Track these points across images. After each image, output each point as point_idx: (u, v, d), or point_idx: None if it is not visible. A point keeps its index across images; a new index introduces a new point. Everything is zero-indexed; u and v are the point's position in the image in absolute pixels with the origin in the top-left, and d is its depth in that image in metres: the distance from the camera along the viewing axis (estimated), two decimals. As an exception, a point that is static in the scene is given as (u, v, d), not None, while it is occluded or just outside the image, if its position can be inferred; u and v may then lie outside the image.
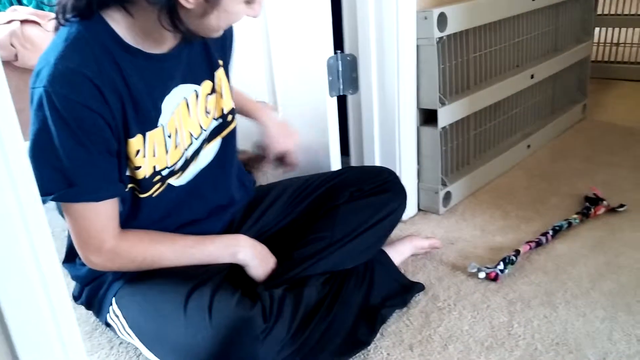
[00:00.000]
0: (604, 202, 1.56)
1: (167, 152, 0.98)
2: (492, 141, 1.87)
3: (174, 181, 1.04)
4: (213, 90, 1.07)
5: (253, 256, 1.07)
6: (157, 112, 0.96)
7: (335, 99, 1.47)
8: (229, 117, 1.11)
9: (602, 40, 3.04)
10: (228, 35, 1.10)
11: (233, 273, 1.07)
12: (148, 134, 0.94)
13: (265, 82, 1.57)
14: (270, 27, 1.49)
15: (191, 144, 1.04)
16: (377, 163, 1.58)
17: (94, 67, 0.85)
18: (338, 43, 1.48)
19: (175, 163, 1.01)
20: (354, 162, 1.66)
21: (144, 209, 1.00)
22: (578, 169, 1.88)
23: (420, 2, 1.46)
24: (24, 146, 0.48)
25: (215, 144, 1.11)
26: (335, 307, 1.04)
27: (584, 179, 1.78)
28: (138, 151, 0.93)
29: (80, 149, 0.85)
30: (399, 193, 1.24)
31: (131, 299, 1.01)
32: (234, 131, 1.13)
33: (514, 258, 1.30)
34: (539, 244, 1.39)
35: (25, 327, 0.50)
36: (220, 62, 1.08)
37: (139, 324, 1.00)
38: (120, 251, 0.96)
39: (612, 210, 1.54)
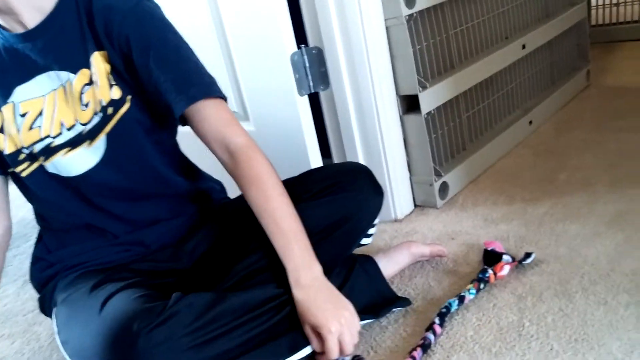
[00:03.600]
0: (506, 258, 1.12)
1: (19, 131, 0.96)
2: (488, 122, 1.73)
3: (51, 169, 0.98)
4: (90, 81, 0.94)
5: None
6: (8, 91, 0.95)
7: (306, 97, 1.35)
8: (109, 110, 0.95)
9: (600, 2, 2.88)
10: (114, 21, 0.93)
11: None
12: (2, 109, 0.95)
13: (230, 89, 1.46)
14: (227, 27, 1.38)
15: (60, 134, 0.95)
16: (361, 161, 1.45)
17: None
18: (301, 37, 1.37)
19: (32, 145, 0.96)
20: (336, 160, 1.54)
21: (36, 195, 1.01)
22: (586, 140, 1.72)
23: (383, -20, 1.34)
24: None
25: (100, 142, 0.96)
26: (285, 309, 0.91)
27: (594, 150, 1.63)
28: None
29: None
30: (361, 192, 1.03)
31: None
32: (124, 127, 0.96)
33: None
34: (425, 346, 0.95)
35: None
36: (102, 52, 0.94)
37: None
38: None
39: (519, 264, 1.13)
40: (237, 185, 0.97)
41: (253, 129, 1.48)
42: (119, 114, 0.95)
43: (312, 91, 1.38)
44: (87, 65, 0.94)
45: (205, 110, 0.94)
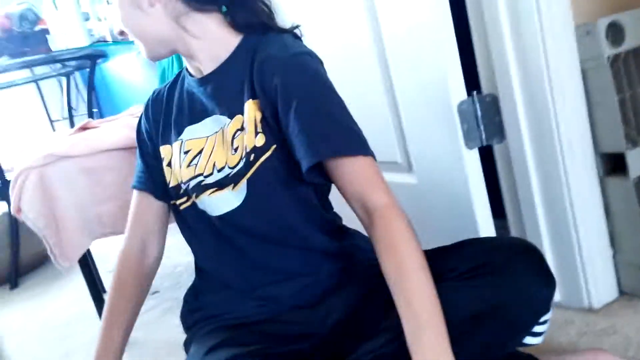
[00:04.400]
0: None
1: (180, 166, 1.01)
2: None
3: (201, 206, 1.00)
4: (242, 127, 0.93)
5: None
6: (180, 129, 1.03)
7: (475, 151, 1.17)
8: (252, 157, 0.93)
9: None
10: (268, 70, 0.92)
11: None
12: (172, 145, 1.03)
13: (395, 138, 1.35)
14: (393, 72, 1.28)
15: (211, 174, 0.96)
16: (542, 226, 1.18)
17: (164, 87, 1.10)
18: (473, 82, 1.19)
19: (188, 181, 0.99)
20: (512, 225, 1.29)
21: (189, 230, 1.05)
22: None
23: (581, 13, 1.10)
24: None
25: (242, 186, 0.94)
26: None
27: None
28: (162, 159, 1.05)
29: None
30: (520, 276, 0.82)
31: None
32: (262, 175, 0.94)
33: None
34: None
35: None
36: (256, 100, 0.93)
37: None
38: None
39: None
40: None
41: (416, 182, 1.33)
42: (260, 161, 0.93)
43: (484, 144, 1.19)
44: (242, 112, 0.95)
45: (344, 167, 0.87)
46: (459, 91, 1.15)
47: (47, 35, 2.50)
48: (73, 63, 2.82)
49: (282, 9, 1.60)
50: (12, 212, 1.49)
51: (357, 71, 1.39)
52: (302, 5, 1.52)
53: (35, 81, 3.65)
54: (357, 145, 0.89)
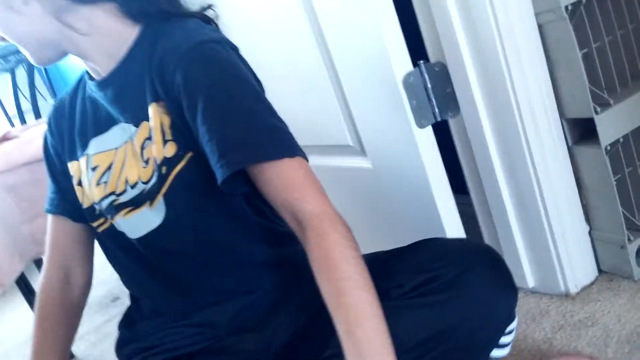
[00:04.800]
0: None
1: (90, 185, 0.88)
2: None
3: (118, 227, 0.87)
4: (150, 136, 0.80)
5: None
6: (86, 142, 0.89)
7: (429, 129, 1.03)
8: (163, 169, 0.79)
9: None
10: (169, 66, 0.77)
11: None
12: (79, 161, 0.91)
13: (343, 119, 1.20)
14: (331, 46, 1.12)
15: (124, 191, 0.83)
16: (507, 202, 1.06)
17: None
18: (418, 51, 1.05)
19: (100, 201, 0.87)
20: (476, 202, 1.17)
21: (111, 255, 0.93)
22: None
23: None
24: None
25: (160, 204, 0.81)
26: None
27: None
28: (72, 177, 0.92)
29: None
30: (477, 290, 0.70)
31: None
32: (180, 189, 0.80)
33: None
34: None
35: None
36: (160, 103, 0.78)
37: None
38: None
39: None
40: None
41: (370, 166, 1.20)
42: (173, 173, 0.79)
43: (438, 120, 1.05)
44: (147, 118, 0.80)
45: (267, 173, 0.72)
46: (403, 62, 1.00)
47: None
48: (12, 58, 2.64)
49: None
50: None
51: (293, 47, 1.23)
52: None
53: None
54: (279, 146, 0.74)
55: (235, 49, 0.80)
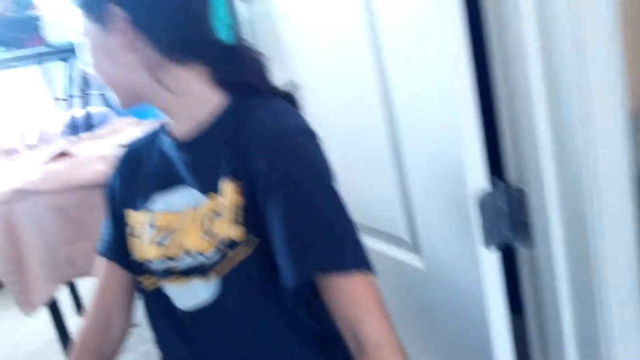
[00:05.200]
0: None
1: (147, 242, 0.88)
2: None
3: (168, 290, 0.87)
4: (217, 210, 0.80)
5: None
6: (148, 194, 0.90)
7: (494, 250, 0.99)
8: (227, 251, 0.78)
9: None
10: (253, 149, 0.77)
11: None
12: (139, 212, 0.91)
13: (401, 214, 1.17)
14: (403, 137, 1.09)
15: (180, 258, 0.83)
16: (569, 336, 1.01)
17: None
18: (498, 167, 1.01)
19: (154, 261, 0.86)
20: (531, 326, 1.11)
21: (152, 317, 0.93)
22: None
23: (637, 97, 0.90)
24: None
25: (213, 281, 0.81)
26: None
27: None
28: (128, 226, 0.92)
29: None
30: None
31: None
32: (240, 274, 0.79)
33: None
34: None
35: None
36: (238, 182, 0.78)
37: None
38: None
39: None
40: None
41: (422, 267, 1.16)
42: (237, 259, 0.79)
43: (507, 244, 1.01)
44: (216, 191, 0.80)
45: (334, 285, 0.72)
46: (479, 179, 0.96)
47: (39, 22, 2.32)
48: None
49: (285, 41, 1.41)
50: (-26, 251, 1.35)
51: (363, 130, 1.20)
52: (305, 55, 1.34)
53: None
54: (352, 258, 0.73)
55: (316, 137, 0.80)
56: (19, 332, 1.90)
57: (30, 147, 3.29)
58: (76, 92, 3.29)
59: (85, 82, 2.74)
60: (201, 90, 0.84)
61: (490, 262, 0.98)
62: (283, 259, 0.74)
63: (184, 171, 0.87)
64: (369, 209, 1.25)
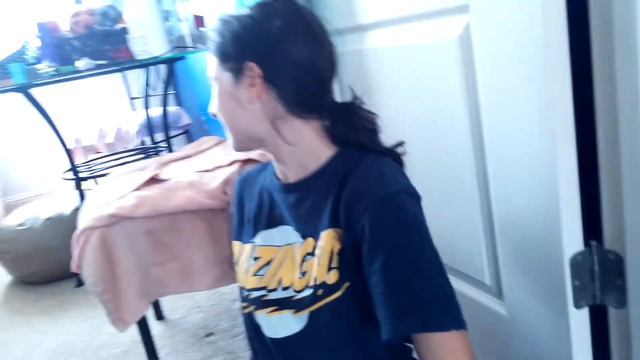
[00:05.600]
0: None
1: (247, 272, 0.98)
2: None
3: (259, 318, 0.96)
4: (313, 252, 0.87)
5: None
6: (255, 230, 0.99)
7: (585, 311, 0.98)
8: (319, 291, 0.85)
9: None
10: (358, 207, 0.81)
11: None
12: (244, 244, 1.02)
13: (486, 259, 1.17)
14: (492, 183, 1.09)
15: (275, 290, 0.92)
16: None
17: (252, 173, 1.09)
18: (591, 231, 0.99)
19: (252, 290, 0.97)
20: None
21: (249, 341, 1.02)
22: None
23: None
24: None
25: (304, 315, 0.88)
26: None
27: None
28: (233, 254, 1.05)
29: None
30: None
31: None
32: (329, 314, 0.85)
33: None
34: None
35: None
36: (337, 230, 0.84)
37: None
38: None
39: None
40: None
41: (505, 314, 1.16)
42: (328, 299, 0.85)
43: (598, 303, 0.99)
44: (316, 236, 0.87)
45: (430, 341, 0.78)
46: (575, 241, 0.95)
47: (126, 35, 2.42)
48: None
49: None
50: (73, 268, 1.45)
51: (453, 172, 1.21)
52: (392, 90, 1.34)
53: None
54: (451, 319, 0.79)
55: (418, 198, 0.85)
56: (103, 333, 2.02)
57: (108, 145, 3.46)
58: (151, 92, 3.43)
59: (163, 82, 2.85)
60: (314, 142, 0.91)
61: (580, 322, 0.98)
62: (383, 313, 0.79)
63: (285, 212, 0.94)
64: (453, 250, 1.26)
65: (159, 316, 2.06)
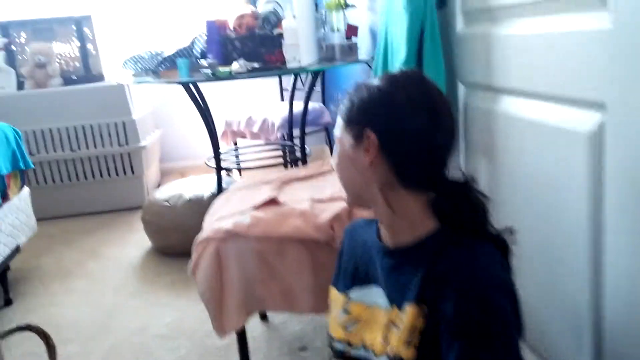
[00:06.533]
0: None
1: (337, 323, 1.03)
2: None
3: None
4: (396, 322, 0.90)
5: None
6: (350, 284, 1.05)
7: None
8: None
9: None
10: (446, 293, 0.82)
11: None
12: (339, 293, 1.08)
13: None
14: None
15: (357, 347, 0.98)
16: None
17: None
18: None
19: (338, 341, 1.02)
20: None
21: None
22: None
23: None
24: None
25: None
26: None
27: None
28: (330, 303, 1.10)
29: None
30: None
31: None
32: None
33: None
34: None
35: None
36: (422, 306, 0.85)
37: None
38: None
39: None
40: None
41: None
42: None
43: None
44: (400, 306, 0.90)
45: None
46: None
47: (282, 41, 2.54)
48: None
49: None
50: (189, 272, 1.60)
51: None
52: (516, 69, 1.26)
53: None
54: None
55: (510, 292, 0.82)
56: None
57: (253, 134, 3.68)
58: (300, 86, 3.57)
59: (309, 83, 2.94)
60: (418, 214, 0.93)
61: None
62: None
63: (381, 273, 0.98)
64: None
65: (263, 316, 2.18)
